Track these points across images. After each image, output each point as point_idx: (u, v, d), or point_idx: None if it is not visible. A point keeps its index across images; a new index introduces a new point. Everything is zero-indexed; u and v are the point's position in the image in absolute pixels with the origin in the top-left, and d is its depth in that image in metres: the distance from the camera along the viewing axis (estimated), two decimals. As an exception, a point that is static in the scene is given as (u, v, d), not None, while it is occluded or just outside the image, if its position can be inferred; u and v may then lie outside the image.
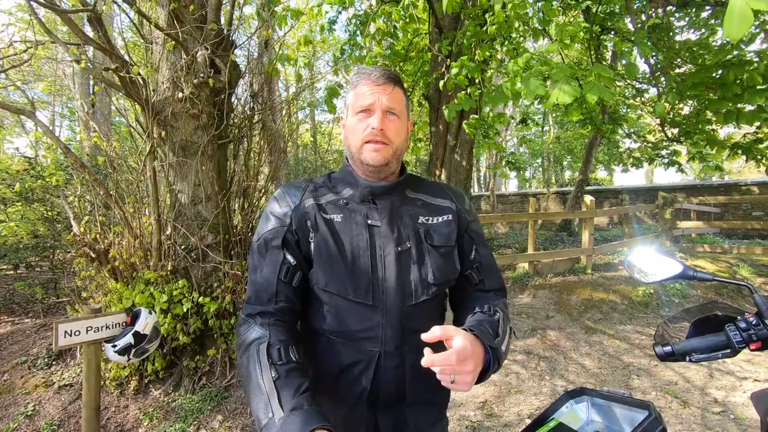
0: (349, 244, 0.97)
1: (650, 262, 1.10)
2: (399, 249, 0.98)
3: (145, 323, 2.48)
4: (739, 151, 4.96)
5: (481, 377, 0.83)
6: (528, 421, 0.95)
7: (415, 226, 1.02)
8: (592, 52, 6.34)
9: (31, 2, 2.61)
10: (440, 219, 1.06)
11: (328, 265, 0.96)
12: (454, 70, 3.86)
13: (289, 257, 0.97)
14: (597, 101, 2.88)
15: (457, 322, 1.08)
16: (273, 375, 0.79)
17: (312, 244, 0.98)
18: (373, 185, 1.01)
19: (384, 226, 0.99)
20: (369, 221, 1.00)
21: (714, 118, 4.74)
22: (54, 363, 3.41)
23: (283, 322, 0.93)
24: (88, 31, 3.24)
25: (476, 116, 4.31)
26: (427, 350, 0.77)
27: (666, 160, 7.82)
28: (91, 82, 8.81)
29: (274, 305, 0.94)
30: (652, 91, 7.38)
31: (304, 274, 0.99)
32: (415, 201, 1.07)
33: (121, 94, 3.24)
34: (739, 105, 3.82)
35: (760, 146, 4.95)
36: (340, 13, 6.15)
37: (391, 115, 0.99)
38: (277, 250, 0.97)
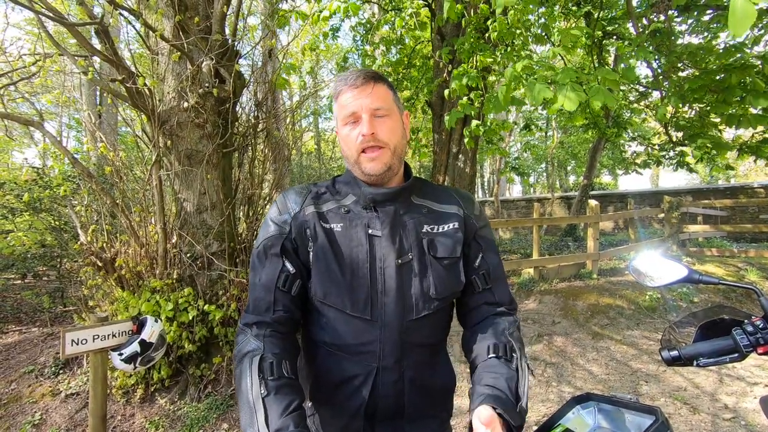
0: (348, 256, 0.94)
1: (655, 266, 1.09)
2: (400, 261, 0.94)
3: (151, 331, 2.49)
4: (748, 152, 4.93)
5: None
6: (535, 428, 0.94)
7: (418, 235, 0.97)
8: (594, 57, 6.36)
9: (40, 16, 2.66)
10: (446, 227, 1.00)
11: (326, 276, 0.93)
12: (454, 82, 3.88)
13: (288, 265, 0.94)
14: (601, 107, 2.88)
15: (467, 342, 1.02)
16: (262, 391, 0.78)
17: (311, 253, 0.95)
18: (375, 192, 0.97)
19: (385, 236, 0.95)
20: (370, 231, 0.96)
21: (719, 121, 4.72)
22: (61, 372, 3.43)
23: (280, 333, 0.91)
24: (96, 43, 3.30)
25: (478, 122, 4.32)
26: None
27: (674, 161, 7.78)
28: (98, 93, 8.93)
29: (272, 315, 0.92)
30: (656, 95, 7.38)
31: (304, 282, 0.97)
32: (420, 208, 1.02)
33: (127, 104, 3.29)
34: (744, 107, 3.81)
35: None
36: (343, 21, 6.21)
37: (380, 115, 0.95)
38: (275, 258, 0.95)
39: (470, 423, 0.77)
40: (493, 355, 0.91)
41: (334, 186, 1.05)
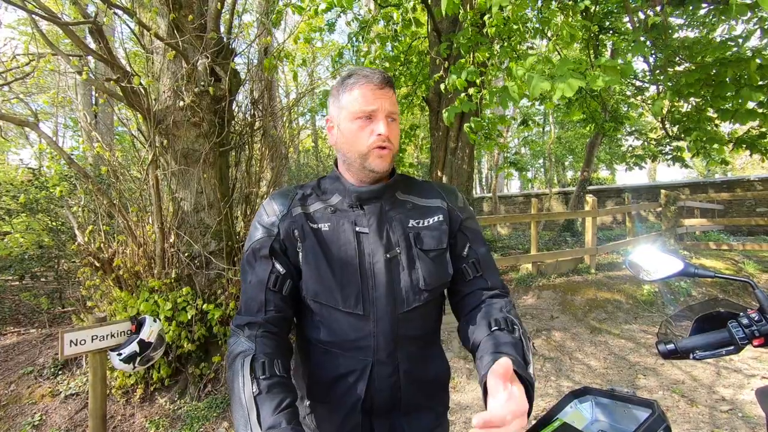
0: (338, 254, 0.96)
1: (651, 260, 1.10)
2: (388, 255, 0.96)
3: (149, 331, 2.49)
4: (743, 145, 4.95)
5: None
6: (533, 423, 0.95)
7: (404, 230, 0.99)
8: (591, 52, 6.35)
9: (33, 15, 2.64)
10: (431, 221, 1.03)
11: (316, 275, 0.95)
12: (453, 75, 3.87)
13: (278, 266, 0.96)
14: (599, 101, 2.90)
15: (465, 329, 1.02)
16: (254, 390, 0.79)
17: (300, 254, 0.97)
18: (360, 191, 0.99)
19: (372, 233, 0.97)
20: (357, 228, 0.98)
21: (715, 115, 4.74)
22: (60, 372, 3.43)
23: (272, 333, 0.92)
24: (90, 42, 3.28)
25: (477, 118, 4.32)
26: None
27: (669, 156, 7.81)
28: (94, 93, 8.89)
29: (264, 315, 0.92)
30: (653, 89, 7.39)
31: (295, 282, 0.98)
32: (405, 204, 1.04)
33: (123, 104, 3.27)
34: (738, 101, 3.82)
35: (764, 141, 4.93)
36: (339, 16, 6.19)
37: (392, 120, 0.97)
38: (265, 260, 0.96)
39: (485, 385, 0.75)
40: (496, 328, 0.90)
41: (319, 186, 1.06)
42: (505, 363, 0.69)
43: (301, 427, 0.78)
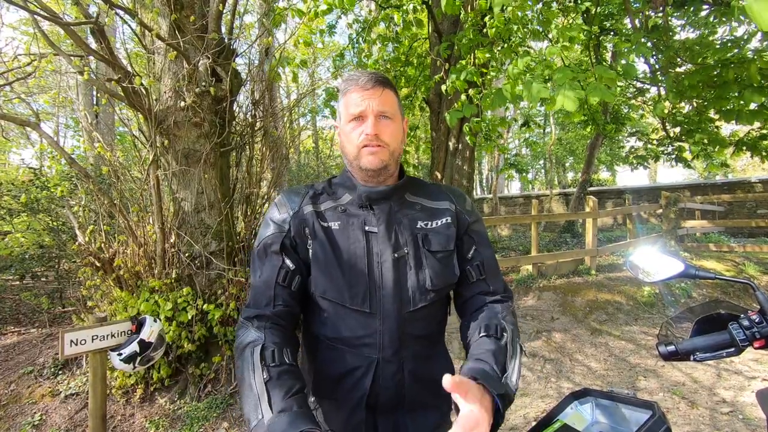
0: (347, 252, 0.98)
1: (652, 261, 1.10)
2: (396, 255, 0.98)
3: (150, 331, 2.49)
4: (744, 148, 4.95)
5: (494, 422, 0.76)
6: (534, 424, 0.95)
7: (413, 231, 1.01)
8: (591, 53, 6.35)
9: (35, 15, 2.65)
10: (439, 222, 1.04)
11: (325, 272, 0.97)
12: (453, 76, 3.88)
13: (288, 262, 0.98)
14: (599, 102, 2.88)
15: (464, 331, 1.05)
16: (265, 376, 0.80)
17: (310, 251, 0.99)
18: (370, 191, 1.01)
19: (381, 232, 0.99)
20: (366, 227, 1.00)
21: (716, 117, 4.74)
22: (60, 372, 3.43)
23: (279, 326, 0.94)
24: (91, 42, 3.29)
25: (477, 119, 4.32)
26: None
27: (672, 156, 7.81)
28: (95, 93, 8.90)
29: (272, 309, 0.95)
30: (653, 90, 7.39)
31: (303, 279, 1.00)
32: (414, 205, 1.06)
33: (124, 104, 3.27)
34: (741, 102, 3.81)
35: (765, 143, 4.94)
36: (339, 17, 6.20)
37: (384, 118, 0.98)
38: (275, 255, 0.98)
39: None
40: (484, 334, 0.94)
41: (330, 186, 1.09)
42: (458, 380, 0.73)
43: (311, 411, 0.79)
